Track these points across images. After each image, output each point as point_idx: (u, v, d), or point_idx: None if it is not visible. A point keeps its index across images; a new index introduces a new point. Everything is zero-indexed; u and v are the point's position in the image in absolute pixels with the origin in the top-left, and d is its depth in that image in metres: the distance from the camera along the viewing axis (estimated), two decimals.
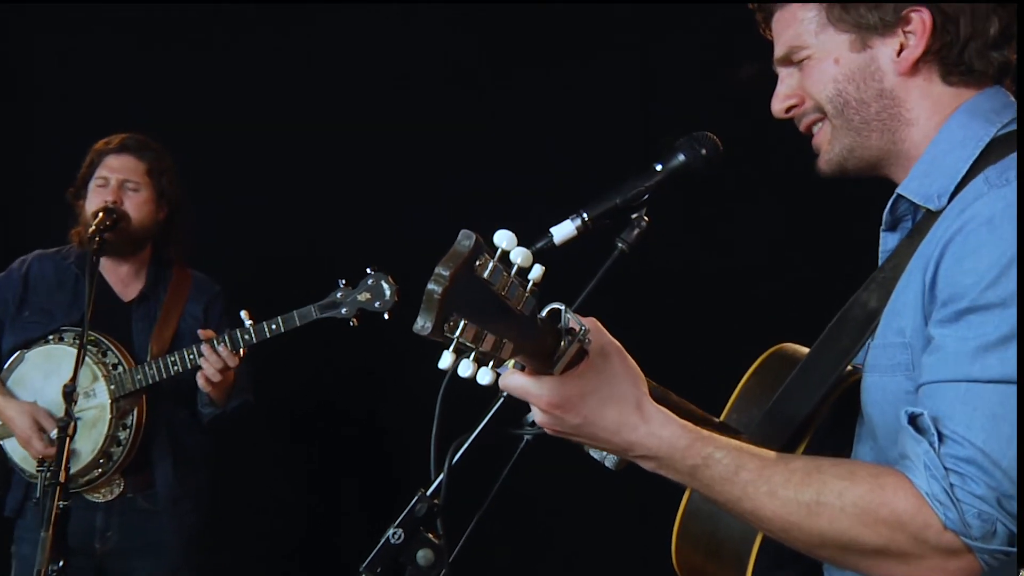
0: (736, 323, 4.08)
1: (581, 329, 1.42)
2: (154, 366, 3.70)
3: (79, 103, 4.70)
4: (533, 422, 1.76)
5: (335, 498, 4.94)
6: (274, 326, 3.66)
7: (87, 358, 3.65)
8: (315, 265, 4.65)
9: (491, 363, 1.25)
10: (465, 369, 1.23)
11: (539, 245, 1.85)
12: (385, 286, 3.66)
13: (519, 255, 1.26)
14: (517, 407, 1.79)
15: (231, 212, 4.52)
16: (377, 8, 4.58)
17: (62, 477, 3.09)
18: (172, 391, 3.81)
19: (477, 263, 1.19)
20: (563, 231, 1.84)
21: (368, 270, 3.68)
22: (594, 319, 1.49)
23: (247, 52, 4.69)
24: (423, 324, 1.15)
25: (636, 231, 1.87)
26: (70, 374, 3.51)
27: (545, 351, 1.40)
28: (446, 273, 1.16)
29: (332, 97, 4.66)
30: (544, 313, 1.40)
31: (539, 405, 1.48)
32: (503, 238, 1.25)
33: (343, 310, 3.66)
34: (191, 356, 3.67)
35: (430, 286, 1.15)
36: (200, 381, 3.66)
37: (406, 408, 4.60)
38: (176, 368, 3.69)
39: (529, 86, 4.47)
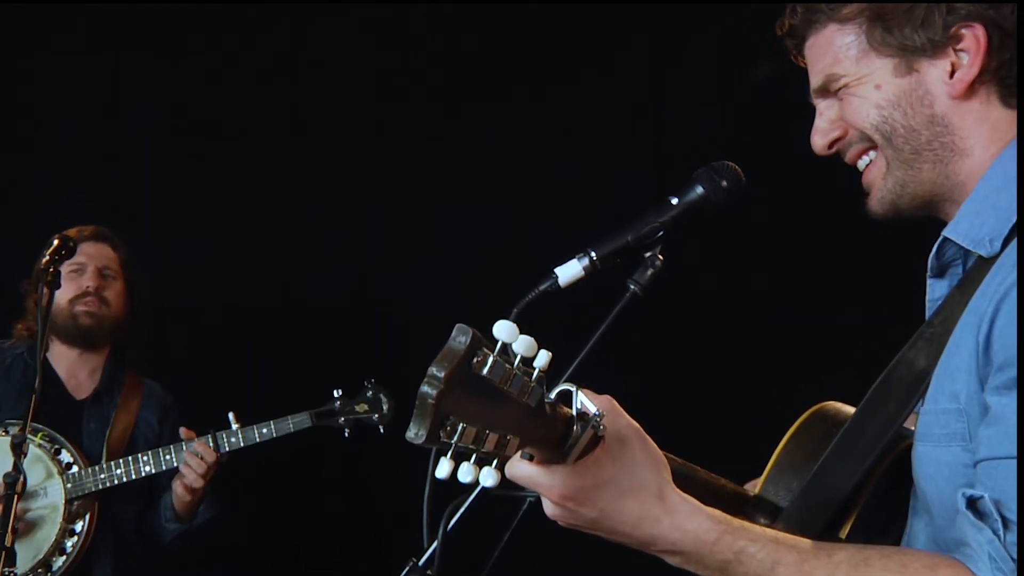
0: (770, 374, 4.06)
1: (594, 414, 1.42)
2: (121, 465, 3.78)
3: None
4: None
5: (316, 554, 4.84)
6: (264, 431, 3.80)
7: (41, 452, 3.75)
8: (301, 364, 4.74)
9: (495, 462, 1.27)
10: (466, 475, 1.24)
11: (543, 287, 1.90)
12: (383, 399, 3.90)
13: (522, 346, 1.26)
14: None
15: (197, 308, 4.65)
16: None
17: (8, 541, 3.07)
18: (122, 498, 3.88)
19: (475, 360, 1.20)
20: (569, 272, 1.88)
21: (366, 383, 3.94)
22: (609, 398, 1.49)
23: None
24: (416, 432, 1.16)
25: (650, 271, 1.89)
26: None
27: (556, 439, 1.40)
28: (441, 375, 1.16)
29: (320, 154, 4.80)
30: (554, 395, 1.41)
31: (550, 497, 1.47)
32: (503, 331, 1.25)
33: (340, 420, 3.87)
34: (167, 456, 3.77)
35: (423, 388, 1.16)
36: (178, 489, 3.75)
37: (390, 464, 4.57)
38: (148, 469, 3.78)
39: (522, 111, 4.59)
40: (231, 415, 3.79)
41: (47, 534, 3.72)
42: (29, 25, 4.78)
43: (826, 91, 1.77)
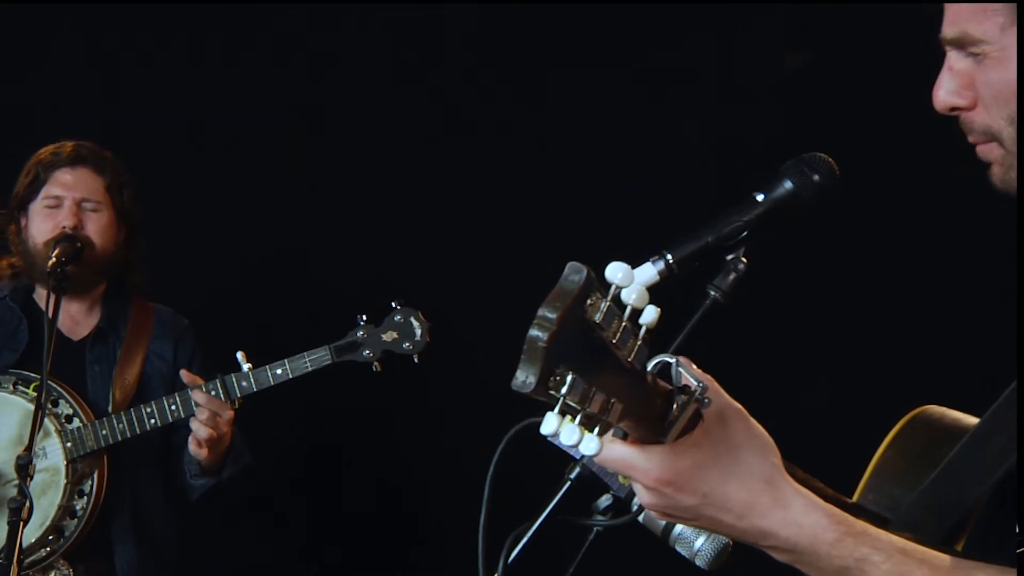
0: (860, 377, 4.15)
1: (698, 387, 1.45)
2: (123, 419, 3.81)
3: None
4: (605, 509, 1.76)
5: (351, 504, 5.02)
6: (279, 371, 3.77)
7: (34, 407, 3.71)
8: (319, 294, 4.82)
9: (597, 428, 1.27)
10: (570, 435, 1.23)
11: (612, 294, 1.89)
12: (415, 324, 3.79)
13: (633, 294, 1.28)
14: (586, 491, 1.80)
15: (206, 228, 4.71)
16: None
17: (13, 573, 3.16)
18: (139, 451, 3.93)
19: (588, 303, 1.21)
20: (643, 276, 1.88)
21: (394, 304, 3.81)
22: (710, 376, 1.51)
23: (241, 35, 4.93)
24: (525, 379, 1.16)
25: (732, 276, 1.91)
26: (10, 429, 3.62)
27: (654, 414, 1.42)
28: (552, 316, 1.17)
29: (344, 89, 4.90)
30: (652, 367, 1.44)
31: (646, 481, 1.48)
32: (617, 272, 1.26)
33: (365, 352, 3.79)
34: (172, 407, 3.79)
35: (533, 332, 1.16)
36: (191, 445, 3.77)
37: (434, 479, 4.90)
38: (152, 422, 3.80)
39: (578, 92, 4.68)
40: (240, 355, 3.78)
41: (51, 499, 3.75)
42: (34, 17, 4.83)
43: (960, 45, 1.71)
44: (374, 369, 3.79)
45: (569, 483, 1.88)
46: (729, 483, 1.49)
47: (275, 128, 4.89)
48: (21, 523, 3.17)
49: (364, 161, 4.87)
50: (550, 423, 1.21)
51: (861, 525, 1.53)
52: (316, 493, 5.08)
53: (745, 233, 1.87)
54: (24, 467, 3.21)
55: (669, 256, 1.89)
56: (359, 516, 4.98)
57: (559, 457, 1.88)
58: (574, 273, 1.20)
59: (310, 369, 3.75)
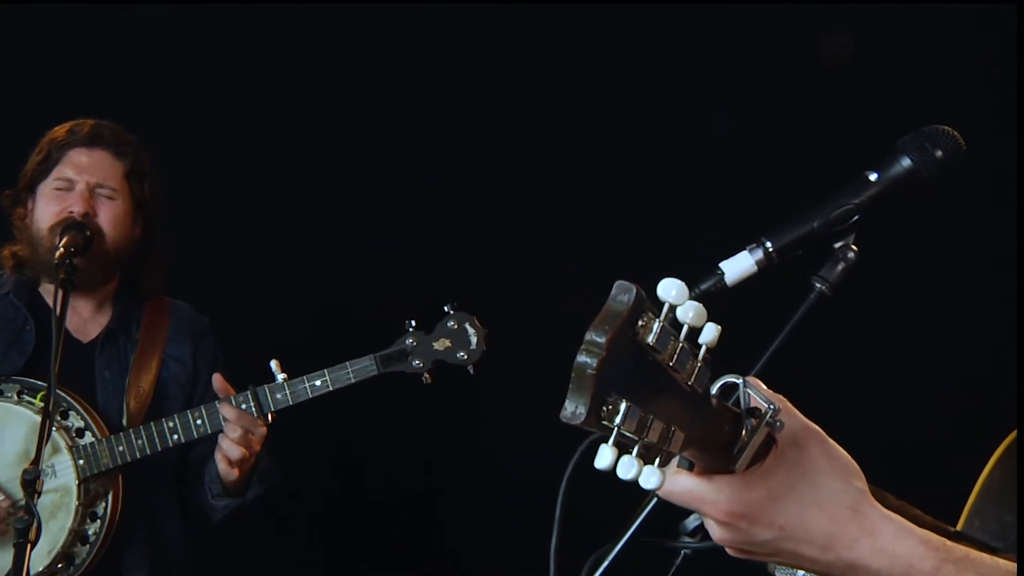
0: (955, 389, 4.16)
1: (768, 409, 1.45)
2: (143, 434, 3.82)
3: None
4: (694, 530, 1.77)
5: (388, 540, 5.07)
6: (318, 382, 3.79)
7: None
8: (359, 297, 4.89)
9: (657, 459, 1.28)
10: (628, 469, 1.24)
11: (705, 286, 1.93)
12: (470, 331, 3.79)
13: (690, 312, 1.28)
14: (671, 510, 1.82)
15: (232, 222, 4.79)
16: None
17: None
18: (155, 468, 3.94)
19: (639, 324, 1.22)
20: (739, 267, 1.90)
21: (446, 309, 3.81)
22: (781, 396, 1.50)
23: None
24: (575, 409, 1.18)
25: (841, 266, 1.90)
26: (16, 443, 3.64)
27: (721, 441, 1.43)
28: (601, 340, 1.18)
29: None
30: (716, 390, 1.44)
31: (716, 515, 1.48)
32: (671, 289, 1.26)
33: (415, 362, 3.79)
34: (198, 421, 3.80)
35: (581, 359, 1.18)
36: (221, 464, 3.78)
37: (483, 492, 4.91)
38: (176, 437, 3.81)
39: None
40: (274, 364, 3.80)
41: (62, 522, 3.77)
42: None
43: None
44: (424, 381, 3.78)
45: (655, 500, 1.87)
46: (809, 512, 1.48)
47: (311, 115, 4.96)
48: (28, 545, 3.15)
49: (411, 150, 4.92)
50: (605, 456, 1.22)
51: (962, 550, 1.53)
52: (345, 513, 5.11)
53: (856, 217, 1.86)
54: (31, 482, 3.18)
55: (768, 244, 1.89)
56: (393, 540, 5.01)
57: None
58: (622, 293, 1.21)
59: (352, 381, 3.75)
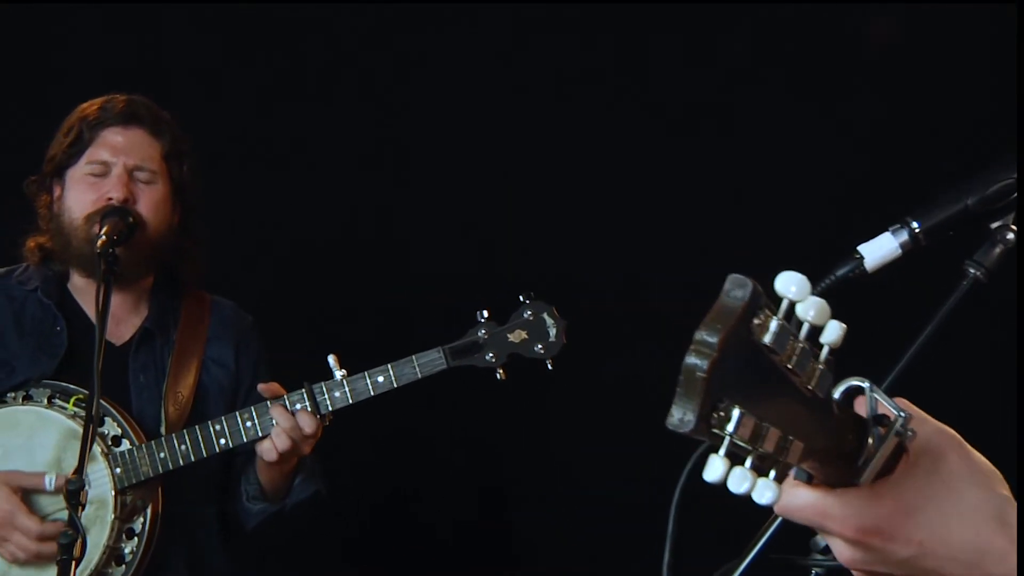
0: None
1: (898, 417, 1.44)
2: (186, 439, 3.82)
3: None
4: (826, 547, 1.78)
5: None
6: (381, 378, 3.79)
7: (76, 425, 3.78)
8: (421, 286, 4.89)
9: (773, 472, 1.27)
10: (740, 482, 1.24)
11: (842, 272, 1.93)
12: (549, 322, 3.78)
13: (812, 309, 1.27)
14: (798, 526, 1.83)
15: (279, 208, 4.86)
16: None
17: None
18: (196, 477, 3.95)
19: (756, 322, 1.22)
20: (880, 250, 1.90)
21: (522, 298, 3.81)
22: (907, 402, 1.48)
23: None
24: (683, 416, 1.17)
25: (998, 249, 1.90)
26: (47, 451, 3.66)
27: (844, 452, 1.41)
28: (713, 340, 1.18)
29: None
30: (838, 395, 1.43)
31: (844, 532, 1.46)
32: (790, 283, 1.26)
33: (488, 356, 3.78)
34: (247, 423, 3.80)
35: (690, 360, 1.17)
36: (265, 455, 3.75)
37: (563, 414, 4.94)
38: (223, 442, 3.82)
39: None
40: (332, 359, 3.79)
41: (96, 539, 3.75)
42: None
43: None
44: (498, 377, 3.78)
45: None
46: (950, 525, 1.45)
47: (366, 102, 5.02)
48: (73, 563, 3.15)
49: (476, 127, 4.97)
50: (715, 468, 1.21)
51: None
52: (394, 524, 5.17)
53: (1015, 195, 1.86)
54: (75, 493, 3.18)
55: (915, 224, 1.89)
56: (449, 554, 5.08)
57: None
58: (737, 288, 1.20)
59: (419, 376, 3.75)
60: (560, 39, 5.09)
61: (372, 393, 3.78)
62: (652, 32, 5.06)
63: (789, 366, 1.25)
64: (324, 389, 3.79)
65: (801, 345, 1.26)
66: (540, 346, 3.77)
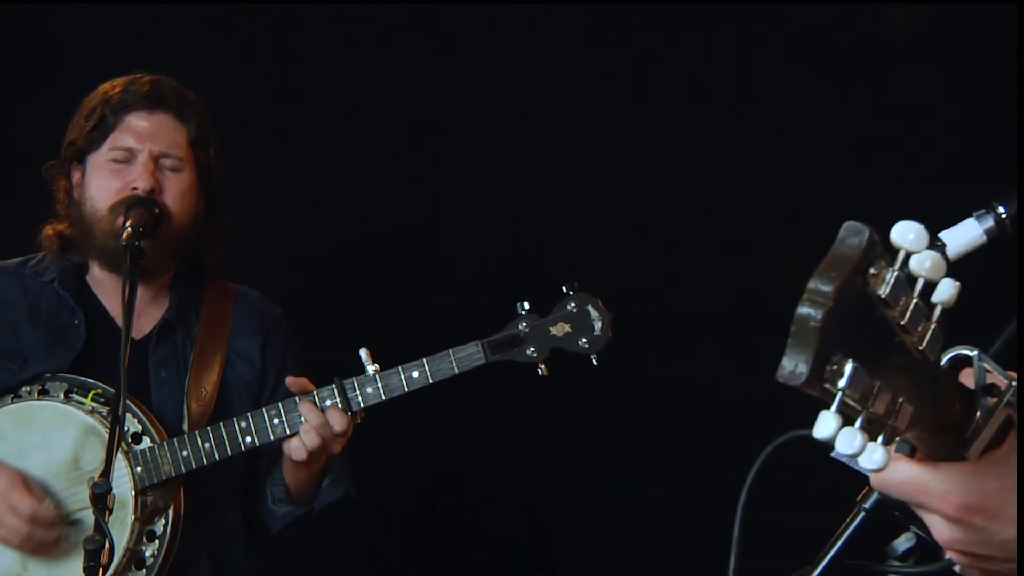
0: None
1: (1009, 386, 1.43)
2: (210, 437, 3.82)
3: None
4: (904, 553, 1.77)
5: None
6: (415, 374, 3.78)
7: (95, 422, 3.80)
8: (456, 277, 4.93)
9: (881, 436, 1.27)
10: (849, 443, 1.22)
11: None
12: (594, 314, 3.77)
13: (927, 262, 1.26)
14: (880, 526, 1.81)
15: (308, 196, 4.91)
16: None
17: None
18: (220, 477, 3.96)
19: (871, 272, 1.22)
20: (963, 237, 1.89)
21: (565, 289, 3.80)
22: (1013, 373, 1.48)
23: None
24: (795, 367, 1.18)
25: None
26: (64, 449, 3.67)
27: (951, 421, 1.40)
28: (828, 289, 1.18)
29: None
30: (945, 362, 1.44)
31: (946, 510, 1.46)
32: (907, 233, 1.25)
33: (529, 350, 3.77)
34: (275, 420, 3.80)
35: (803, 309, 1.18)
36: (294, 453, 3.74)
37: (612, 410, 4.93)
38: (249, 440, 3.81)
39: None
40: (364, 353, 3.79)
41: (115, 541, 3.56)
42: None
43: None
44: (539, 373, 3.77)
45: (864, 515, 1.86)
46: None
47: (398, 87, 5.04)
48: (100, 569, 3.14)
49: (516, 117, 5.01)
50: (826, 424, 1.20)
51: None
52: (425, 528, 5.21)
53: None
54: (102, 497, 3.16)
55: (1002, 209, 1.88)
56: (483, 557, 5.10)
57: (837, 476, 1.90)
58: (852, 235, 1.20)
59: (456, 372, 3.74)
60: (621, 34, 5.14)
61: (406, 389, 3.77)
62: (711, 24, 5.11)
63: (902, 322, 1.25)
64: (356, 385, 3.79)
65: (915, 301, 1.26)
66: (584, 340, 3.75)
